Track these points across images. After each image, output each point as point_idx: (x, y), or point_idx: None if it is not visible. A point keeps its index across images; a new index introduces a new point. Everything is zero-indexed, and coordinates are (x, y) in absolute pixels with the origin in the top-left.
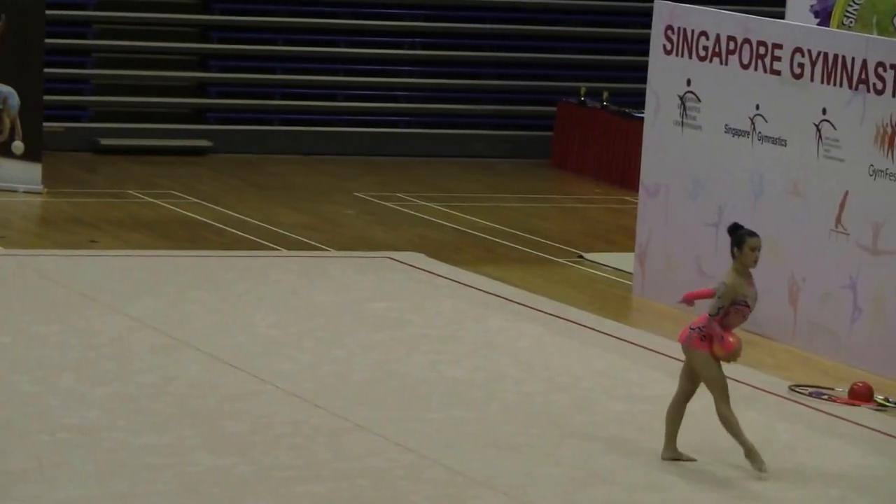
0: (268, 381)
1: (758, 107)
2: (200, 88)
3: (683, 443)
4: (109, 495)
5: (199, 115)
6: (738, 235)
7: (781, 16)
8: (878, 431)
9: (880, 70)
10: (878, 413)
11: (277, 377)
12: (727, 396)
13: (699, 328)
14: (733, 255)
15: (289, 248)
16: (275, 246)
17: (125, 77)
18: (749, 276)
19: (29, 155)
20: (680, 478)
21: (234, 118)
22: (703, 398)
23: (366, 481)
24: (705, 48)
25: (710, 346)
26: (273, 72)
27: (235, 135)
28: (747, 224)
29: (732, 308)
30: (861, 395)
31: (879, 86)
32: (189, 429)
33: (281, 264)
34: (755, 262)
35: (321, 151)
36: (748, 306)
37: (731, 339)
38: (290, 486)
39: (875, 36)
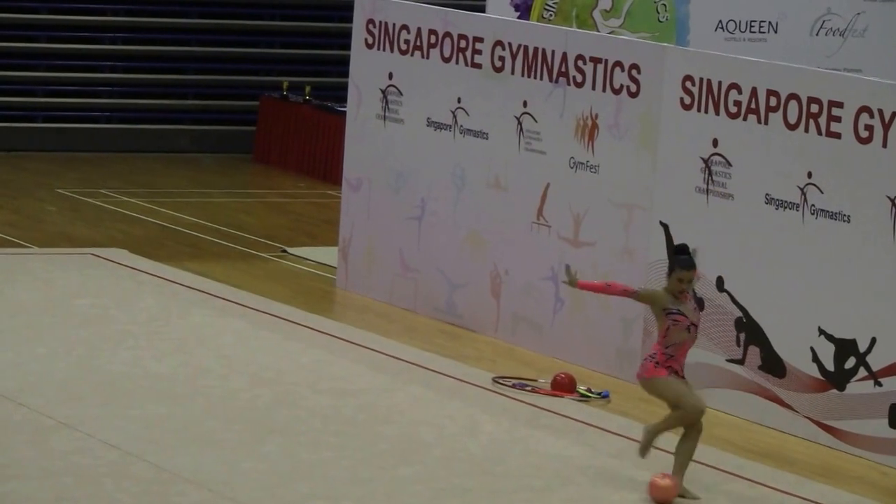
0: None
1: (459, 100)
2: None
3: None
4: None
5: None
6: (671, 263)
7: (482, 9)
8: (581, 422)
9: (580, 63)
10: (580, 404)
11: None
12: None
13: (651, 355)
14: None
15: None
16: None
17: None
18: (681, 294)
19: None
20: (382, 471)
21: None
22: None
23: (70, 479)
24: (406, 42)
25: (664, 369)
26: None
27: None
28: (450, 216)
29: (668, 319)
30: (564, 386)
31: (579, 78)
32: None
33: None
34: (681, 291)
35: (23, 147)
36: (683, 315)
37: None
38: None
39: (574, 29)
